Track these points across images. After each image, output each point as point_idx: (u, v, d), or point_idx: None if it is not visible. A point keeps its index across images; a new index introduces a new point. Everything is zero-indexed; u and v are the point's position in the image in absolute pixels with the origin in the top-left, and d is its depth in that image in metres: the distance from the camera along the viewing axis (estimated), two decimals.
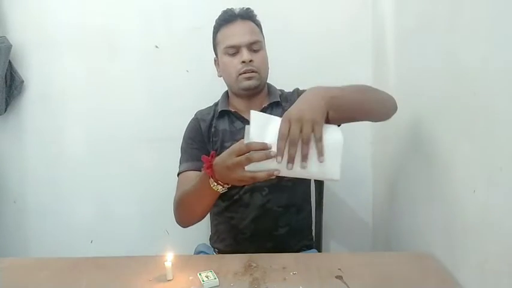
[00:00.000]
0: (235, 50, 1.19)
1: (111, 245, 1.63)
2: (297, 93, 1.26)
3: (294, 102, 1.19)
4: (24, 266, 1.06)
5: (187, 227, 1.20)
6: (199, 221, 1.15)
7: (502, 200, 0.73)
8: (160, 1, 1.65)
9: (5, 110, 1.69)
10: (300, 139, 0.84)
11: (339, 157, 0.87)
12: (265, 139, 0.86)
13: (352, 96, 0.99)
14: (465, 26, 0.85)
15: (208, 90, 1.29)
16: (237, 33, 1.20)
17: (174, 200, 1.17)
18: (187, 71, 1.61)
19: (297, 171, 0.86)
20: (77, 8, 1.67)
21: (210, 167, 0.95)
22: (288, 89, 1.32)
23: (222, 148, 1.22)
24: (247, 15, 1.23)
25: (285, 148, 0.84)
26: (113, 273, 0.97)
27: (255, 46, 1.20)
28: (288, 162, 0.85)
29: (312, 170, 0.87)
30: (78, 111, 1.73)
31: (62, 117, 1.74)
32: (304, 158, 0.85)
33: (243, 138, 1.18)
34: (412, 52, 1.18)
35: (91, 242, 1.79)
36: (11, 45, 1.63)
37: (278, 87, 1.33)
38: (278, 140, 0.85)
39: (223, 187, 0.97)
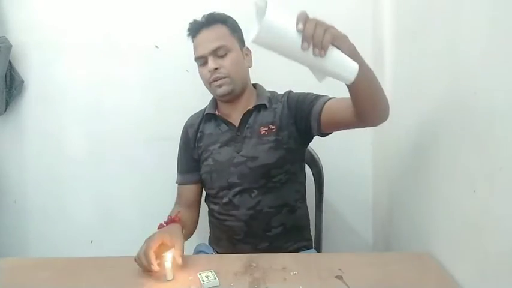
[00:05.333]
0: (203, 60, 1.20)
1: (111, 245, 1.62)
2: (288, 95, 1.25)
3: (285, 102, 1.24)
4: (24, 266, 1.06)
5: None
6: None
7: (502, 200, 0.73)
8: (160, 1, 1.65)
9: (5, 110, 1.69)
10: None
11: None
12: (283, 16, 0.80)
13: (373, 82, 0.97)
14: (465, 25, 0.85)
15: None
16: (201, 43, 1.19)
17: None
18: (187, 71, 1.61)
19: (326, 58, 0.83)
20: (77, 8, 1.67)
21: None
22: (285, 90, 1.31)
23: (206, 151, 1.26)
24: (212, 20, 1.20)
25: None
26: (113, 273, 0.97)
27: (220, 52, 1.18)
28: (315, 47, 0.82)
29: (335, 57, 0.83)
30: (78, 111, 1.73)
31: (62, 117, 1.74)
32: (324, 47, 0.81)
33: (227, 139, 1.25)
34: (412, 52, 1.18)
35: (91, 242, 1.79)
36: (11, 45, 1.63)
37: (276, 89, 1.32)
38: (304, 24, 0.81)
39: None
